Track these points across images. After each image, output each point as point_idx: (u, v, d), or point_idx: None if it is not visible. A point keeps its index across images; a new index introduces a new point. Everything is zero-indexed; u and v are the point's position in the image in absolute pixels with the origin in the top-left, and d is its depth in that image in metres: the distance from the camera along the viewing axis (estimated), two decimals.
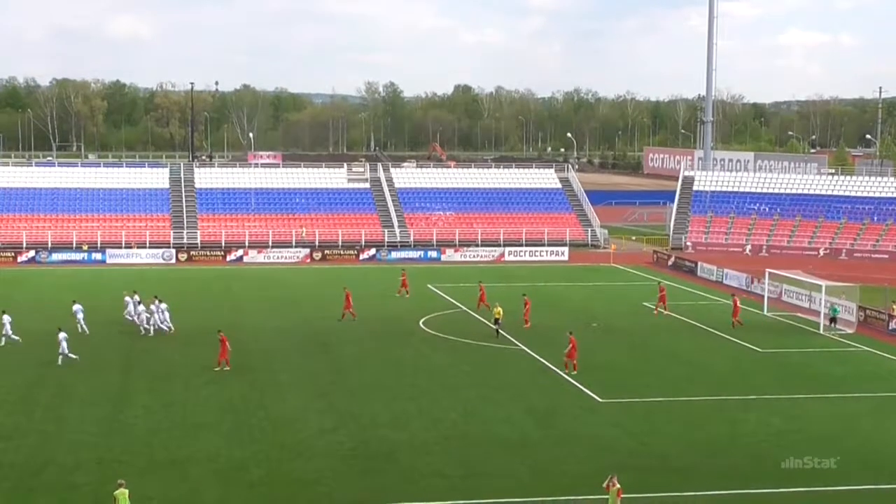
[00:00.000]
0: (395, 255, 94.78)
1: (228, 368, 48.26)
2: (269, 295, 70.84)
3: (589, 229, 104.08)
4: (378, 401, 43.76)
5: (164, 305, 58.06)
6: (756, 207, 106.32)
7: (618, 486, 30.09)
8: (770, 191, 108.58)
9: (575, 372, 48.38)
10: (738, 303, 62.95)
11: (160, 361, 50.47)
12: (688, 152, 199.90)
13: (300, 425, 40.06)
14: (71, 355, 49.62)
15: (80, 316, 57.45)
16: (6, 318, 54.32)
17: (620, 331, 60.40)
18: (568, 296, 74.04)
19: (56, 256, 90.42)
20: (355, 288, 65.90)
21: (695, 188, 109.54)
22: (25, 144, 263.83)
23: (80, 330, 56.11)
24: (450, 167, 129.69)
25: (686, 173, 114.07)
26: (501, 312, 57.34)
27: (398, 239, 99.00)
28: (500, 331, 56.67)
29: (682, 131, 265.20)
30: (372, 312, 64.75)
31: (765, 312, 66.57)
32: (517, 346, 54.89)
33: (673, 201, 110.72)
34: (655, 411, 42.92)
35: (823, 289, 61.98)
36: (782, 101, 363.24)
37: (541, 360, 51.83)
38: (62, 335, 49.85)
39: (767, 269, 70.13)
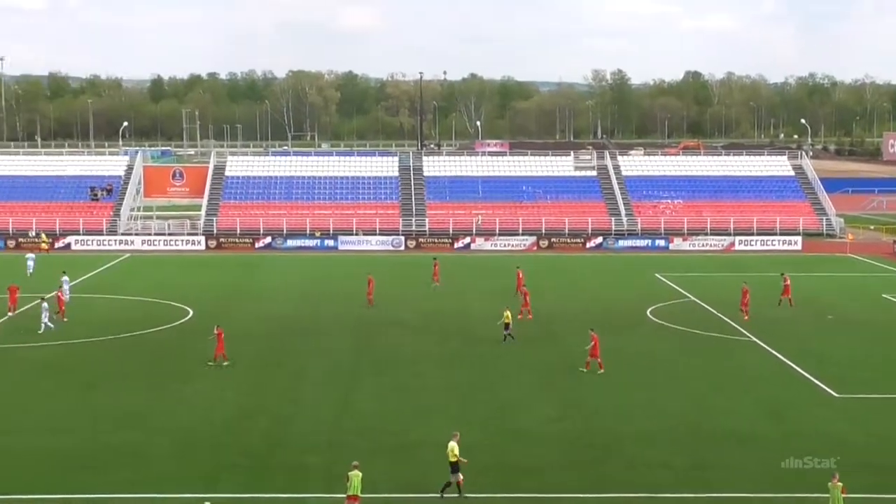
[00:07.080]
0: (621, 243, 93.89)
1: (227, 363, 46.78)
2: (495, 284, 70.86)
3: (824, 218, 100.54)
4: (603, 390, 43.40)
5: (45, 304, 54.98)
6: None
7: (840, 483, 28.98)
8: None
9: (601, 371, 45.66)
10: (788, 280, 61.69)
11: (389, 346, 51.47)
12: None
13: (525, 413, 40.11)
14: (49, 324, 53.39)
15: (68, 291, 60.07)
16: (44, 305, 54.15)
17: (859, 323, 57.97)
18: (801, 286, 71.56)
19: (291, 243, 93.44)
20: (580, 277, 65.44)
21: None
22: (263, 135, 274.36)
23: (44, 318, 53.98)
24: (678, 154, 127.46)
25: None
26: (510, 316, 52.92)
27: (625, 227, 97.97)
28: (507, 336, 52.00)
29: None
30: (598, 301, 64.38)
31: None
32: (748, 337, 53.47)
33: None
34: None
35: None
36: None
37: (773, 352, 50.29)
38: (44, 305, 54.04)
39: None
